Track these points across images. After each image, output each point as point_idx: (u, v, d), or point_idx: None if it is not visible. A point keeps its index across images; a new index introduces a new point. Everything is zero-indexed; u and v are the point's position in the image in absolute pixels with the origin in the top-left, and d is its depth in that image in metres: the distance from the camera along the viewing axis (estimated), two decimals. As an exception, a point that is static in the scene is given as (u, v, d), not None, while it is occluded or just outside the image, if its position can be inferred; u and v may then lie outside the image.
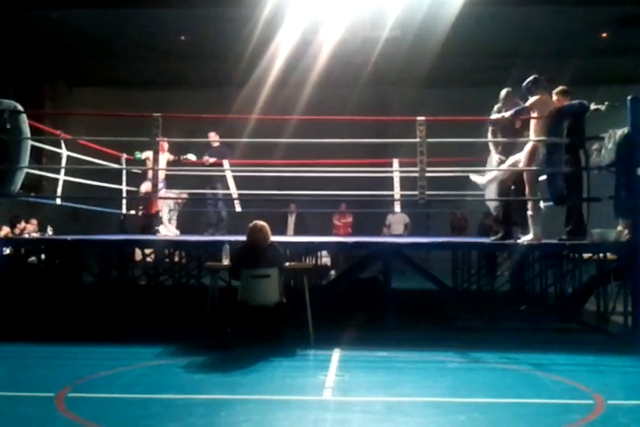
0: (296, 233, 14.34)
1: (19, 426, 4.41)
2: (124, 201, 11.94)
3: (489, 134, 8.90)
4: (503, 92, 8.83)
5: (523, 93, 8.22)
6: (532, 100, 8.00)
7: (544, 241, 8.09)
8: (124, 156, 12.02)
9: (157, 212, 11.42)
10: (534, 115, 8.01)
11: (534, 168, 7.99)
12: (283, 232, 14.39)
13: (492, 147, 8.95)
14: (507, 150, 8.60)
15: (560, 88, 8.27)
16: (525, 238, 8.05)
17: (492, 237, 8.70)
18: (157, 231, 11.23)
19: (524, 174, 8.12)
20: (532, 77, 8.12)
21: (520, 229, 8.54)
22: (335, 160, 11.93)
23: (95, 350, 7.02)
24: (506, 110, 8.50)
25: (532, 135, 8.02)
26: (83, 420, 4.51)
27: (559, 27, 15.21)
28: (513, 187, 8.54)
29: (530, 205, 8.08)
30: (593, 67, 16.94)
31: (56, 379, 5.66)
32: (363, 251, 9.63)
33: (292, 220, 15.07)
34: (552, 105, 8.00)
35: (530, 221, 8.04)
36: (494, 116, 8.65)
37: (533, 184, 8.09)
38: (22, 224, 12.87)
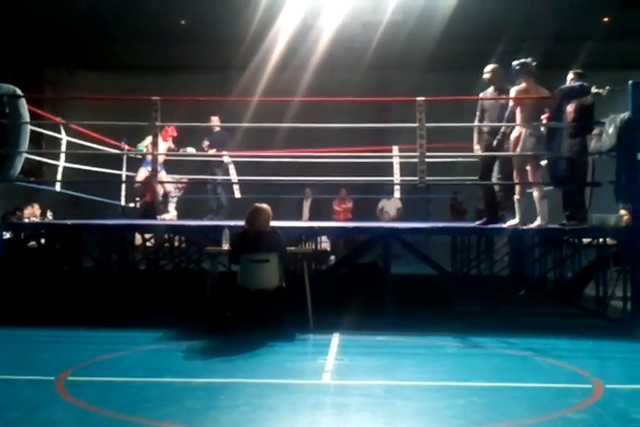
0: (311, 218, 14.36)
1: (19, 409, 4.42)
2: (123, 192, 11.90)
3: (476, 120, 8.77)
4: (489, 68, 8.50)
5: (512, 76, 8.10)
6: (512, 90, 7.88)
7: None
8: (126, 147, 11.91)
9: (157, 198, 11.40)
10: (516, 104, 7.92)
11: (529, 153, 7.88)
12: (298, 217, 14.43)
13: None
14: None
15: (575, 71, 8.18)
16: (511, 223, 7.99)
17: (477, 222, 8.69)
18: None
19: (513, 159, 8.05)
20: (519, 62, 7.92)
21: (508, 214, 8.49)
22: (336, 147, 11.90)
23: (95, 334, 7.04)
24: (493, 85, 8.38)
25: (518, 122, 7.92)
26: (82, 403, 4.53)
27: (561, 10, 15.12)
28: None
29: (516, 189, 8.02)
30: (595, 51, 16.80)
31: (56, 363, 5.68)
32: (362, 236, 9.63)
33: (307, 204, 15.09)
34: (539, 92, 7.88)
35: (516, 205, 7.99)
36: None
37: (522, 169, 7.98)
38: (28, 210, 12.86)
